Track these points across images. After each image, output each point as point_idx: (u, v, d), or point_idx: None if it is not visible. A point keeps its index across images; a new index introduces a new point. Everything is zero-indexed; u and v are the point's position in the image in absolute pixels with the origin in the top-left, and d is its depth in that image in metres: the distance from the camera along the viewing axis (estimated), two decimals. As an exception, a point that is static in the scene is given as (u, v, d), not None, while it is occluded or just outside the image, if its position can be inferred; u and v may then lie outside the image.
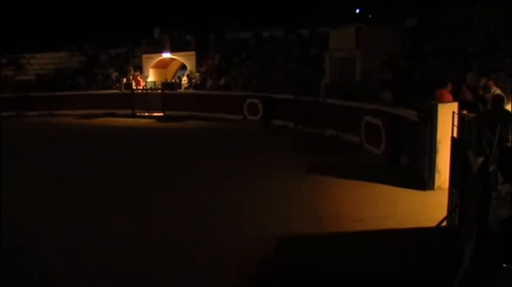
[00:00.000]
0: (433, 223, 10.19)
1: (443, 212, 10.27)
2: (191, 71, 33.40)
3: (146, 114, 32.34)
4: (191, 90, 32.36)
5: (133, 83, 33.99)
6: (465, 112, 11.38)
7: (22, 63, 40.39)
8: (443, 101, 12.64)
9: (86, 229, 10.76)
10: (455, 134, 10.54)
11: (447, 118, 11.46)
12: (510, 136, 7.94)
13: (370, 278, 8.10)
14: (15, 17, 43.32)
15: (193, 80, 32.73)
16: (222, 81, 30.86)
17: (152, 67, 35.15)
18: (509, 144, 7.78)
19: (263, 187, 13.80)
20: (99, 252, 9.45)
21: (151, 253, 9.32)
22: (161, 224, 11.03)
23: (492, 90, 11.97)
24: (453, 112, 10.82)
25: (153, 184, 14.55)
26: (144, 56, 35.46)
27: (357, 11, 34.85)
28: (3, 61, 40.40)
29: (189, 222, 11.06)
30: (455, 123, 10.57)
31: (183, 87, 33.00)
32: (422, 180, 12.89)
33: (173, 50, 34.14)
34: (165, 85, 33.29)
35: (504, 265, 5.58)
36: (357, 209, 11.42)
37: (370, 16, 30.96)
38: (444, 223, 10.00)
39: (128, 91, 33.71)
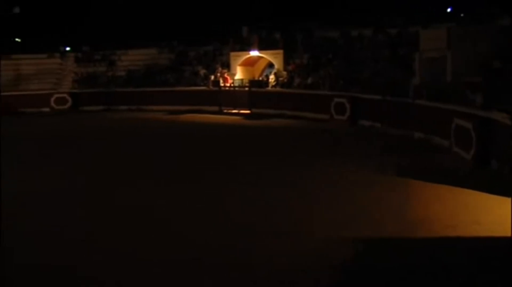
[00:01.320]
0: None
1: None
2: (278, 70, 33.51)
3: (233, 111, 32.65)
4: (278, 89, 32.49)
5: (221, 81, 34.45)
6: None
7: (113, 60, 41.53)
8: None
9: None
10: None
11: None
12: None
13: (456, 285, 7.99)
14: (107, 15, 44.54)
15: (281, 79, 32.83)
16: (309, 80, 30.83)
17: (239, 65, 35.56)
18: None
19: (350, 188, 13.77)
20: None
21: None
22: (254, 216, 11.31)
23: None
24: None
25: (235, 179, 14.84)
26: (232, 54, 35.92)
27: (448, 10, 34.16)
28: (96, 57, 41.72)
29: (280, 220, 11.22)
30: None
31: (270, 86, 33.17)
32: (515, 186, 12.52)
33: (261, 48, 34.39)
34: (253, 83, 33.59)
35: None
36: (447, 214, 11.24)
37: (462, 15, 30.28)
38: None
39: (215, 88, 34.21)
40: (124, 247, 9.78)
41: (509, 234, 9.70)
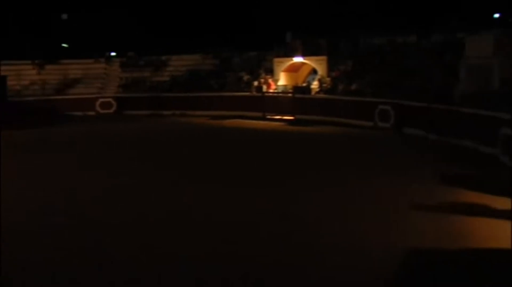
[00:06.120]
0: None
1: None
2: (322, 76, 33.39)
3: (276, 117, 32.59)
4: (322, 95, 32.36)
5: (264, 87, 34.45)
6: None
7: (158, 65, 41.89)
8: None
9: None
10: None
11: None
12: None
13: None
14: (152, 21, 45.14)
15: (324, 85, 32.70)
16: (353, 87, 30.64)
17: (283, 71, 35.51)
18: None
19: (393, 196, 13.62)
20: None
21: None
22: (302, 227, 11.29)
23: None
24: None
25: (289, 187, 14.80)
26: (276, 60, 35.88)
27: (496, 16, 33.62)
28: (141, 63, 42.16)
29: (326, 226, 11.27)
30: None
31: (313, 92, 33.07)
32: None
33: (304, 54, 34.30)
34: (296, 89, 33.49)
35: None
36: (488, 225, 11.11)
37: (510, 20, 29.80)
38: None
39: (259, 94, 34.22)
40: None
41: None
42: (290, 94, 33.26)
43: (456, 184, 14.70)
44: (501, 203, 12.64)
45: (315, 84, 33.76)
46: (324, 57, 33.80)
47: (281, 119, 32.35)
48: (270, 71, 36.13)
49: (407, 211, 12.27)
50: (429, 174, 16.10)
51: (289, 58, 35.17)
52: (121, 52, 44.26)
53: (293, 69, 35.94)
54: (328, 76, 33.28)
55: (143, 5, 46.54)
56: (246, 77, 36.97)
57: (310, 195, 14.08)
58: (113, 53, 45.20)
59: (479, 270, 8.88)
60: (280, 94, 34.00)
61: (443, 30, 29.80)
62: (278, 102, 33.20)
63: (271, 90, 34.59)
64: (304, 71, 36.62)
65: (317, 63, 34.31)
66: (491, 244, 10.00)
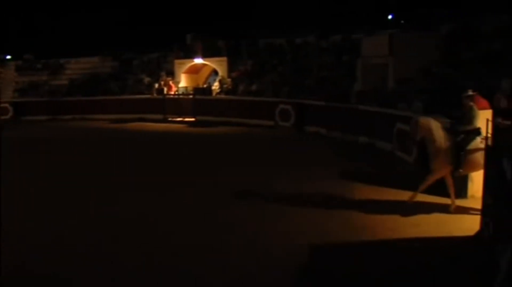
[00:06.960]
0: (464, 232, 10.09)
1: (476, 221, 10.07)
2: (222, 77, 33.41)
3: (178, 119, 32.38)
4: (222, 96, 32.37)
5: (165, 89, 34.14)
6: (500, 120, 11.07)
7: (56, 68, 40.83)
8: (478, 108, 12.31)
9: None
10: (489, 142, 10.28)
11: (480, 126, 11.26)
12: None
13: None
14: (50, 23, 43.97)
15: (225, 86, 32.72)
16: (254, 87, 30.79)
17: (183, 73, 35.32)
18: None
19: (295, 194, 13.66)
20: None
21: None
22: (201, 227, 11.13)
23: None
24: (487, 120, 10.55)
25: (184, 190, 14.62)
26: (176, 61, 35.66)
27: (390, 17, 34.55)
28: (38, 66, 40.98)
29: (229, 227, 11.12)
30: (489, 131, 10.31)
31: (214, 93, 33.05)
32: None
33: (205, 55, 34.23)
34: (197, 90, 33.37)
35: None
36: (388, 217, 11.26)
37: (402, 22, 30.66)
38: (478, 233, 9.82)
39: (159, 96, 33.88)
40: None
41: (448, 235, 9.83)
42: (191, 96, 33.09)
43: (355, 179, 14.94)
44: (398, 196, 12.95)
45: (215, 85, 33.74)
46: (224, 58, 33.81)
47: (182, 121, 32.14)
48: (171, 73, 35.84)
49: (307, 208, 12.30)
50: (328, 170, 16.31)
51: (189, 60, 34.98)
52: (16, 55, 42.84)
53: (194, 71, 35.79)
54: (229, 77, 33.31)
55: (39, 7, 45.34)
56: (146, 79, 36.47)
57: (212, 194, 13.98)
58: (8, 56, 43.72)
59: (381, 261, 9.05)
60: (181, 96, 33.75)
61: (341, 30, 30.44)
62: (179, 104, 32.91)
63: (172, 92, 34.30)
64: (205, 73, 36.57)
65: (217, 64, 34.31)
66: (393, 235, 10.21)
